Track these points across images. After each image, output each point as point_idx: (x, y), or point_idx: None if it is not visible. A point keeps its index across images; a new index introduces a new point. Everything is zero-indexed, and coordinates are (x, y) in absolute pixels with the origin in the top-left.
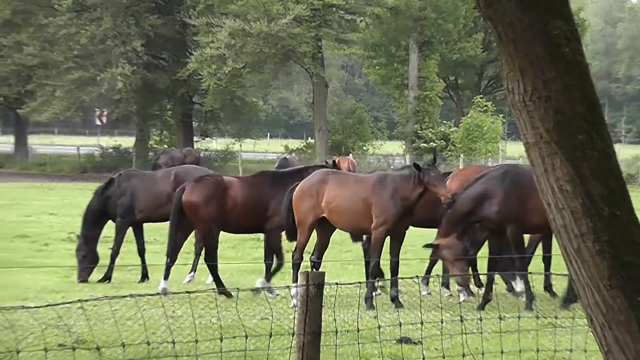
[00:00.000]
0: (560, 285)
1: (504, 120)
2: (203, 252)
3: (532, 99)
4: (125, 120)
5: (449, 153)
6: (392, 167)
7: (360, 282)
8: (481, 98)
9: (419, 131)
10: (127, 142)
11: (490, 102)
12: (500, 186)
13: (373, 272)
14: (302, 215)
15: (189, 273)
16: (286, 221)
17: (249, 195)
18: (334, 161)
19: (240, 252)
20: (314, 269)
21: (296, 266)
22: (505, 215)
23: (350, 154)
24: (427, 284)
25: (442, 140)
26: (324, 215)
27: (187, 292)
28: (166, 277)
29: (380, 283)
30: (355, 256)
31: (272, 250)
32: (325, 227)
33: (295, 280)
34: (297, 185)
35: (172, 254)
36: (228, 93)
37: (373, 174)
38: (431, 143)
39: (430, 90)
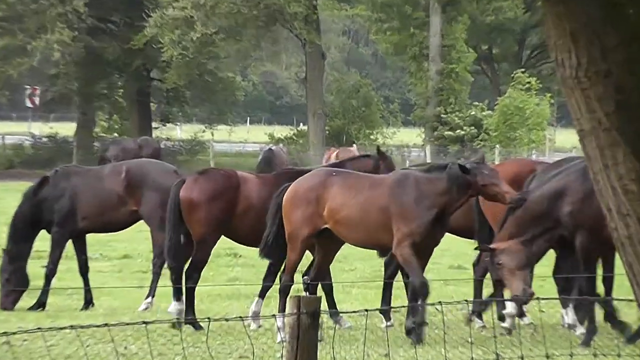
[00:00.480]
0: (624, 314)
1: (553, 102)
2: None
3: (587, 74)
4: (64, 102)
5: (481, 144)
6: (408, 162)
7: (367, 310)
8: (523, 72)
9: (442, 115)
10: (67, 129)
11: (535, 78)
12: (581, 184)
13: (415, 293)
14: (295, 227)
15: (146, 299)
16: (268, 232)
17: (268, 196)
18: (378, 149)
19: (213, 271)
20: (308, 293)
21: (284, 291)
22: (578, 219)
23: (354, 145)
24: (481, 315)
25: (473, 127)
26: (326, 226)
27: (144, 322)
28: (178, 298)
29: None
30: (359, 276)
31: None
32: (327, 241)
33: (282, 308)
34: (286, 188)
35: (176, 266)
36: (196, 66)
37: (392, 174)
38: (458, 131)
39: (457, 62)
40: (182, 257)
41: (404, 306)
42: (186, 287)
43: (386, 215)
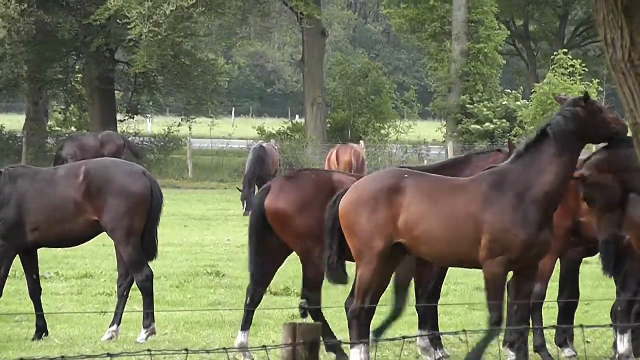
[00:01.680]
0: None
1: (601, 89)
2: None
3: None
4: (10, 89)
5: (515, 139)
6: (426, 161)
7: (376, 340)
8: (565, 54)
9: (467, 106)
10: (14, 122)
11: (580, 61)
12: None
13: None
14: (366, 238)
15: (110, 326)
16: (329, 252)
17: None
18: (510, 143)
19: (191, 294)
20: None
21: (359, 318)
22: None
23: (362, 141)
24: (569, 340)
25: (504, 120)
26: (401, 241)
27: (109, 354)
28: (245, 327)
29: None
30: None
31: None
32: (391, 257)
33: (357, 337)
34: (341, 195)
35: (256, 290)
36: (170, 46)
37: (482, 174)
38: (487, 124)
39: (485, 41)
40: (265, 285)
41: (421, 335)
42: (311, 311)
43: (478, 226)
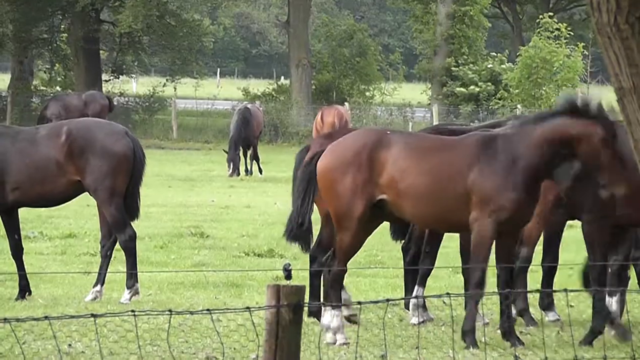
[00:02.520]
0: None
1: (586, 53)
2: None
3: (629, 20)
4: None
5: (500, 103)
6: (411, 124)
7: (360, 303)
8: (550, 17)
9: (452, 68)
10: None
11: (565, 24)
12: None
13: (474, 284)
14: (346, 200)
15: (94, 287)
16: (297, 213)
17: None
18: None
19: (175, 254)
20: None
21: (338, 281)
22: None
23: (346, 103)
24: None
25: (489, 83)
26: (382, 198)
27: (92, 315)
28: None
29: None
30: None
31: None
32: (369, 219)
33: (336, 299)
34: (319, 154)
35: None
36: (155, 6)
37: (471, 135)
38: (472, 87)
39: (471, 4)
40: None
41: (403, 298)
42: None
43: (467, 185)
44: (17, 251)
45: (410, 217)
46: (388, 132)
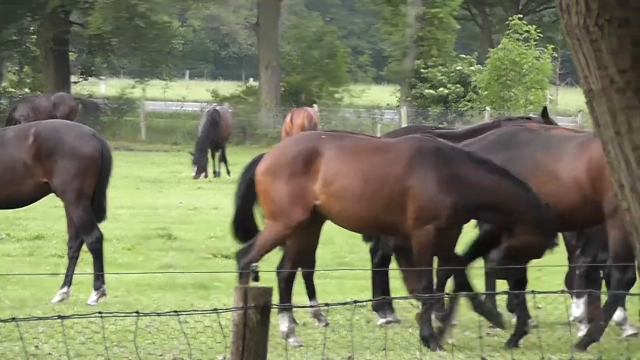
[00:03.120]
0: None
1: (556, 55)
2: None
3: (598, 22)
4: None
5: (469, 105)
6: (380, 125)
7: (327, 304)
8: (520, 19)
9: (421, 70)
10: None
11: (534, 26)
12: None
13: (421, 289)
14: (283, 205)
15: (61, 288)
16: (238, 214)
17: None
18: (544, 111)
19: (143, 256)
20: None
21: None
22: None
23: (315, 105)
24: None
25: (458, 85)
26: (316, 203)
27: (60, 316)
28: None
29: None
30: (319, 264)
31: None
32: (310, 224)
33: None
34: (257, 159)
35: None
36: (125, 8)
37: (406, 138)
38: (441, 89)
39: (440, 6)
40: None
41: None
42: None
43: (402, 189)
44: None
45: (341, 220)
46: (323, 136)
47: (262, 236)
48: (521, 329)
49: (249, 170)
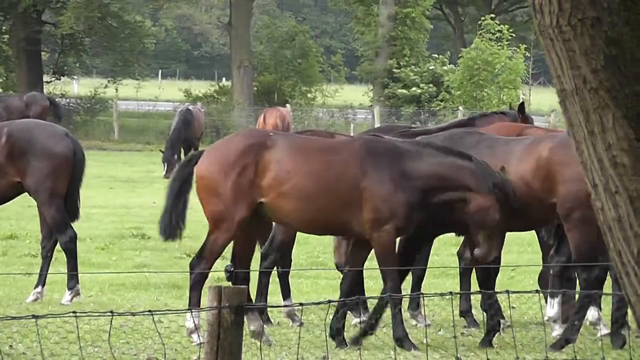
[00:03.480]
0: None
1: (528, 55)
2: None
3: (571, 22)
4: None
5: (441, 104)
6: (353, 125)
7: (302, 304)
8: (492, 19)
9: (394, 70)
10: None
11: (507, 26)
12: None
13: (389, 289)
14: (227, 203)
15: (35, 288)
16: (169, 213)
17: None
18: (521, 105)
19: (116, 255)
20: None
21: (200, 282)
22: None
23: (288, 105)
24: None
25: (431, 85)
26: (262, 201)
27: (34, 316)
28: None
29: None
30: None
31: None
32: (255, 222)
33: (196, 303)
34: (197, 155)
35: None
36: (97, 8)
37: (356, 137)
38: (413, 89)
39: (413, 5)
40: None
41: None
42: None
43: (356, 189)
44: None
45: (289, 219)
46: (271, 134)
47: (209, 242)
48: (493, 328)
49: (186, 168)
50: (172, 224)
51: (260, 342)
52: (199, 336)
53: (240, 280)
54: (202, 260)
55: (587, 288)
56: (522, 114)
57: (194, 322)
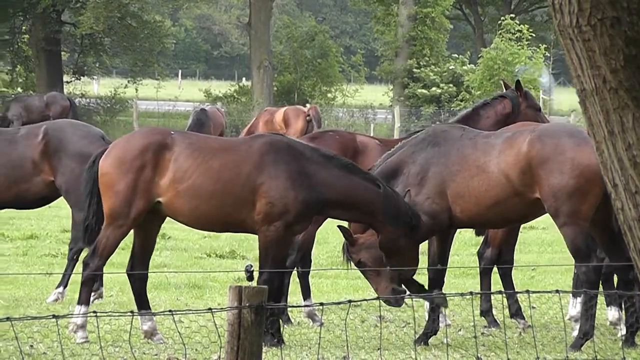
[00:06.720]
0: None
1: (548, 55)
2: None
3: (591, 22)
4: None
5: (461, 104)
6: (373, 125)
7: (322, 304)
8: (512, 19)
9: (414, 70)
10: None
11: (527, 26)
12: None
13: (274, 289)
14: (124, 201)
15: (57, 288)
16: (87, 214)
17: None
18: (518, 83)
19: None
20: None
21: (93, 280)
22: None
23: (308, 104)
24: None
25: (451, 85)
26: (160, 200)
27: (54, 316)
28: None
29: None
30: (313, 263)
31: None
32: (150, 223)
33: (85, 301)
34: (99, 155)
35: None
36: (117, 8)
37: (256, 136)
38: (433, 89)
39: (432, 6)
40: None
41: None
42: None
43: (252, 185)
44: None
45: (188, 218)
46: (172, 133)
47: (102, 238)
48: (432, 328)
49: (94, 165)
50: (92, 227)
51: (154, 341)
52: (84, 333)
53: (136, 280)
54: (96, 256)
55: (588, 281)
56: (520, 91)
57: (82, 317)
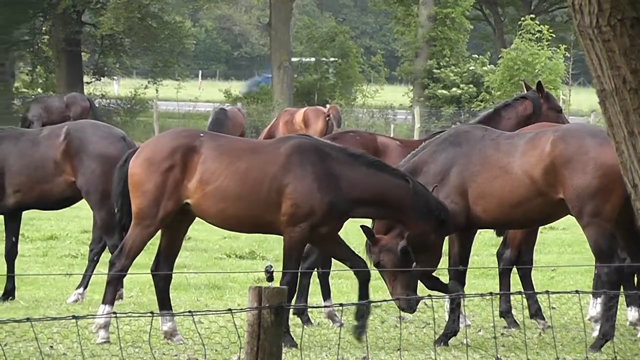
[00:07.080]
0: None
1: (568, 55)
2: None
3: (611, 22)
4: None
5: (481, 105)
6: (393, 126)
7: (342, 305)
8: (532, 19)
9: (434, 71)
10: None
11: (547, 26)
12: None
13: (292, 286)
14: (152, 201)
15: (77, 289)
16: (120, 215)
17: None
18: (539, 85)
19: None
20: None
21: (118, 279)
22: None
23: (328, 105)
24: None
25: (471, 85)
26: (188, 201)
27: (74, 316)
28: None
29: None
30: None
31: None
32: (178, 223)
33: (111, 300)
34: (130, 155)
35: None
36: (137, 8)
37: (283, 137)
38: (454, 89)
39: (452, 6)
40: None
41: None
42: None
43: (278, 187)
44: (11, 254)
45: (217, 219)
46: (202, 135)
47: (129, 238)
48: (452, 328)
49: (125, 165)
50: (127, 226)
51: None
52: (107, 333)
53: (161, 280)
54: (122, 256)
55: (609, 282)
56: (541, 92)
57: (105, 317)
